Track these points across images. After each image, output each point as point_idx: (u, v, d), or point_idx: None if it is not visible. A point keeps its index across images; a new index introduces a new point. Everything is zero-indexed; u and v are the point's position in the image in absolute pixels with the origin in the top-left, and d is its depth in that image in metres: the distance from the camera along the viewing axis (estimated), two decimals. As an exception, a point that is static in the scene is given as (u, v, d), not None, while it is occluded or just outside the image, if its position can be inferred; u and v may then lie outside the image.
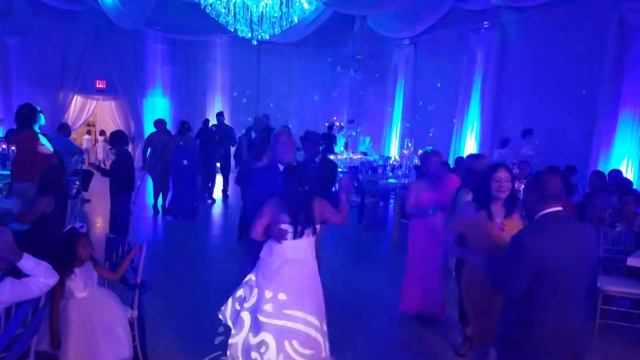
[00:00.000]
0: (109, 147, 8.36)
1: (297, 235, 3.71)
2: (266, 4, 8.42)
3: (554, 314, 2.78)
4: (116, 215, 7.11)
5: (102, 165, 11.64)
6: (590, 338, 4.99)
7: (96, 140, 18.64)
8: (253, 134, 9.90)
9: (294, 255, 3.75)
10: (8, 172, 7.98)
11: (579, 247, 2.83)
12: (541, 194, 2.86)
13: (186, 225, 9.26)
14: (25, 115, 6.00)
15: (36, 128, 6.04)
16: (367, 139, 13.65)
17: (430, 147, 6.11)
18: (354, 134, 13.18)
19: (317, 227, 3.85)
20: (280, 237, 3.70)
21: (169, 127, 10.58)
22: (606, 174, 7.76)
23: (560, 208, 2.87)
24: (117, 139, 7.25)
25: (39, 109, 6.13)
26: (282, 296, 3.70)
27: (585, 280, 2.89)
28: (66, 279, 3.50)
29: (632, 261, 4.95)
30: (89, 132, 18.90)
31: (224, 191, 11.87)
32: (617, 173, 7.99)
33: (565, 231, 2.84)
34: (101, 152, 17.72)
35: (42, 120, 6.14)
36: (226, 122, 11.94)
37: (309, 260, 3.82)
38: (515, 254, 2.79)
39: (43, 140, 6.12)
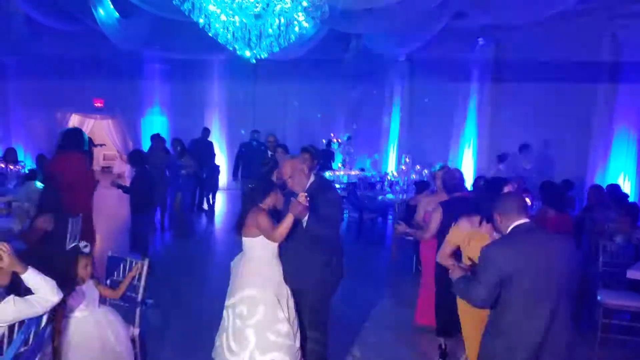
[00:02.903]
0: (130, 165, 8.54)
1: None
2: (264, 24, 8.47)
3: (519, 322, 2.86)
4: (136, 233, 7.03)
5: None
6: (589, 350, 5.01)
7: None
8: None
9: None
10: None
11: (545, 256, 2.90)
12: (502, 215, 3.01)
13: (186, 242, 9.22)
14: (75, 138, 6.11)
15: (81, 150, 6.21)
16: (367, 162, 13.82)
17: (440, 164, 6.18)
18: (340, 154, 13.25)
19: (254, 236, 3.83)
20: None
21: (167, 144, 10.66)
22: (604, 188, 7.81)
23: (526, 220, 2.97)
24: (137, 158, 7.25)
25: (85, 134, 6.33)
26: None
27: (559, 290, 2.91)
28: (68, 297, 3.50)
29: (632, 274, 4.97)
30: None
31: (200, 206, 11.76)
32: (614, 187, 8.01)
33: (531, 242, 2.94)
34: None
35: (86, 144, 6.26)
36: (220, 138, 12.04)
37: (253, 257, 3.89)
38: (481, 266, 2.93)
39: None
